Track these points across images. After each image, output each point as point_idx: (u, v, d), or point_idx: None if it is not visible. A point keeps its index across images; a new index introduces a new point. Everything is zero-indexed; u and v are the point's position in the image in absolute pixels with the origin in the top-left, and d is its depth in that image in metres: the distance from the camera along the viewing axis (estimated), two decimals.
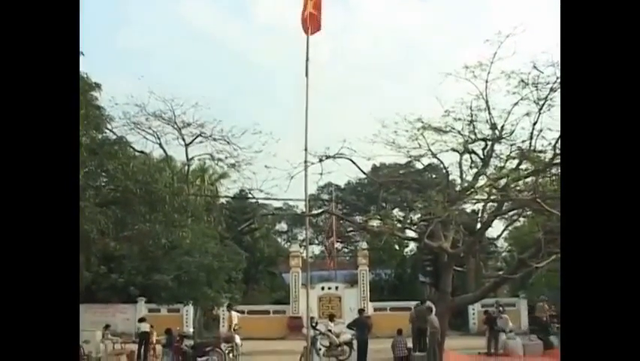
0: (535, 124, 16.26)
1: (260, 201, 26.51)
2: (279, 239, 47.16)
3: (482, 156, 18.31)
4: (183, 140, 26.85)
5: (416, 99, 41.45)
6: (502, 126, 17.43)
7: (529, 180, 15.66)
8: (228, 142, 26.87)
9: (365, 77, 67.42)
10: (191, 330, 23.16)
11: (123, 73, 56.72)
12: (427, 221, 17.85)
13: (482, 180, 17.40)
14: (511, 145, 17.42)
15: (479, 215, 20.33)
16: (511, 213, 19.35)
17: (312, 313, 20.90)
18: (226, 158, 27.60)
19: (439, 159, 19.24)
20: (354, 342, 18.41)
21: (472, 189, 17.24)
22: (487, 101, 17.18)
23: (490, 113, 17.34)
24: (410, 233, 22.26)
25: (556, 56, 13.93)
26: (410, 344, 18.39)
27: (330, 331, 19.66)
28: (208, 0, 73.22)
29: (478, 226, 19.54)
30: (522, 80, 16.11)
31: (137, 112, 25.57)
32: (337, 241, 39.16)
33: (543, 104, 15.99)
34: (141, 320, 21.62)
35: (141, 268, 21.46)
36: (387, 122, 18.47)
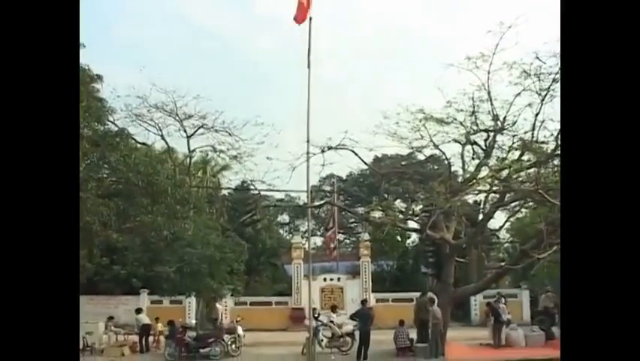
0: (537, 115, 16.25)
1: (262, 192, 26.57)
2: (281, 231, 47.13)
3: (484, 147, 18.29)
4: (185, 132, 26.99)
5: (418, 90, 41.20)
6: (505, 117, 17.40)
7: (531, 171, 15.63)
8: (230, 134, 27.02)
9: (367, 69, 67.17)
10: (194, 321, 23.23)
11: (124, 65, 56.58)
12: (429, 212, 17.87)
13: (484, 172, 17.40)
14: (513, 136, 17.41)
15: (481, 206, 20.35)
16: (513, 204, 19.36)
17: (315, 305, 20.97)
18: (228, 149, 27.77)
19: (441, 150, 19.24)
20: (357, 333, 18.45)
21: (474, 181, 17.22)
22: (489, 92, 17.14)
23: (492, 104, 17.32)
24: (412, 224, 22.28)
25: (558, 46, 13.91)
26: (412, 335, 18.46)
27: (332, 322, 19.72)
28: None
29: (480, 217, 19.59)
30: (524, 71, 16.08)
31: (138, 104, 25.72)
32: (339, 233, 39.13)
33: (545, 95, 15.95)
34: (138, 310, 21.63)
35: (143, 259, 21.48)
36: (389, 113, 18.49)
